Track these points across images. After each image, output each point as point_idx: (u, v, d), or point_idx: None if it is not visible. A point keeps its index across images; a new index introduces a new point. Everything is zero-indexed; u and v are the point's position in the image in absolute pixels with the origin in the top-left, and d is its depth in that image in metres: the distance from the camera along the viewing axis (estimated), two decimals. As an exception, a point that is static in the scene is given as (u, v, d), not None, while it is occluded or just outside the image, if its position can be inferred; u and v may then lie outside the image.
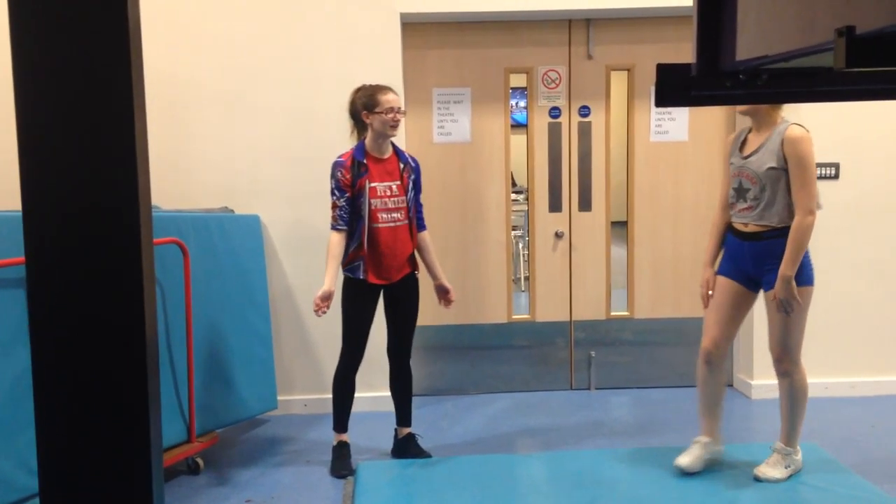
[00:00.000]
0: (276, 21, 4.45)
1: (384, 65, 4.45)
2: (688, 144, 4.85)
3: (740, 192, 3.34)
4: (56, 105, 0.85)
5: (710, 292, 3.47)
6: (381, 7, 4.45)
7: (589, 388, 4.95)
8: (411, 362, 4.36)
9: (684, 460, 3.45)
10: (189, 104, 4.47)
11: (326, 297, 3.49)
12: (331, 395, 3.82)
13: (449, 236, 4.84)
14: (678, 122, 4.83)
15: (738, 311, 3.41)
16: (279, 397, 4.44)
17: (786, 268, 3.17)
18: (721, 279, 3.44)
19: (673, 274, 4.92)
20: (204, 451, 3.83)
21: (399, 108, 3.58)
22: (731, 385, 4.96)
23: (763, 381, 4.70)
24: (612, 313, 4.95)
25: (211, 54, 4.46)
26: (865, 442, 3.78)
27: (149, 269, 0.85)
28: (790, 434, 3.42)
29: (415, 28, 4.67)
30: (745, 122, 4.73)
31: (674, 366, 4.97)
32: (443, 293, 3.82)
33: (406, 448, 3.84)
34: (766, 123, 3.28)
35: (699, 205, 4.87)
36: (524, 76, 4.80)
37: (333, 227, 3.57)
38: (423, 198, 3.78)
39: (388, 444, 3.97)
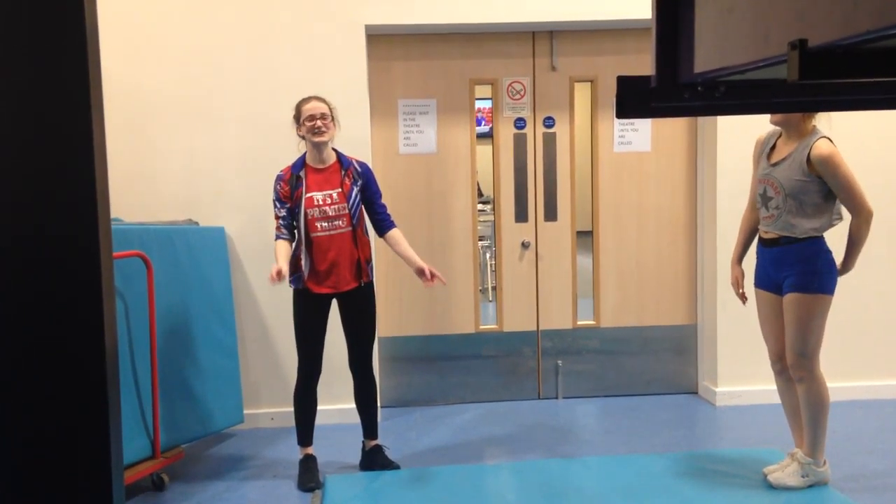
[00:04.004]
0: (240, 33, 4.43)
1: (349, 76, 4.45)
2: (651, 155, 4.90)
3: (764, 200, 3.38)
4: (12, 114, 0.84)
5: (742, 290, 3.54)
6: (346, 19, 4.45)
7: (556, 397, 4.97)
8: (378, 373, 4.35)
9: (776, 475, 3.43)
10: (153, 116, 4.43)
11: (278, 272, 3.43)
12: (297, 409, 3.80)
13: (416, 247, 4.79)
14: (641, 133, 4.89)
15: (781, 319, 3.41)
16: (245, 411, 4.40)
17: (849, 265, 3.30)
18: (758, 292, 3.50)
19: (638, 283, 4.96)
20: (169, 466, 3.77)
21: (320, 113, 3.59)
22: (695, 392, 5.01)
23: (727, 388, 4.76)
24: (579, 322, 4.99)
25: (175, 66, 4.42)
26: (826, 447, 3.83)
27: (108, 284, 0.84)
28: (810, 443, 3.37)
29: (380, 40, 4.68)
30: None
31: (640, 374, 5.02)
32: (422, 275, 3.65)
33: (374, 460, 3.82)
34: (796, 133, 3.30)
35: (662, 214, 4.93)
36: (489, 87, 4.83)
37: (277, 237, 3.63)
38: (389, 207, 3.78)
39: (356, 456, 3.95)
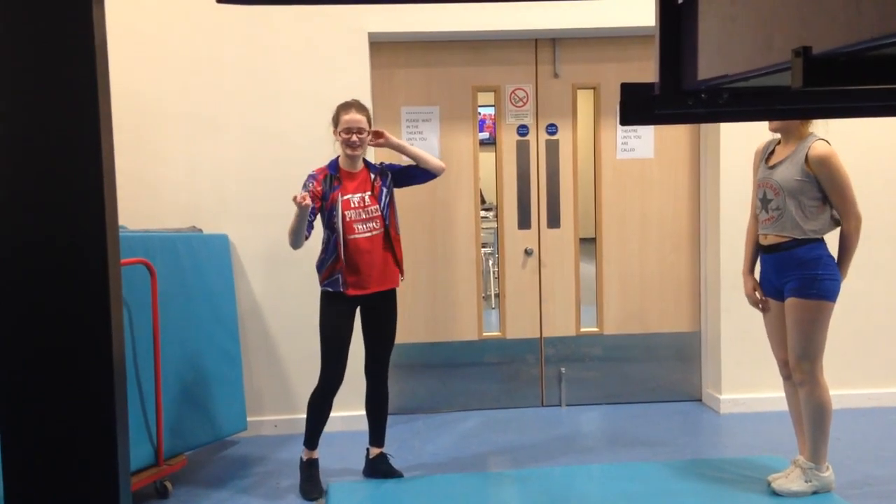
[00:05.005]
0: (244, 40, 4.45)
1: (353, 84, 4.46)
2: (653, 162, 4.91)
3: (764, 203, 3.40)
4: (22, 124, 0.84)
5: (762, 299, 3.50)
6: (350, 27, 4.46)
7: (560, 405, 4.97)
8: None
9: (779, 481, 3.42)
10: (156, 123, 4.44)
11: (303, 197, 3.40)
12: (301, 416, 3.79)
13: (419, 254, 4.84)
14: (644, 140, 4.89)
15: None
16: (249, 418, 4.40)
17: (845, 274, 3.30)
18: (762, 300, 3.51)
19: (641, 290, 4.96)
20: (172, 474, 3.77)
21: (357, 128, 3.57)
22: (699, 400, 5.00)
23: (731, 395, 4.75)
24: (582, 329, 4.98)
25: (178, 74, 4.44)
26: (830, 455, 3.82)
27: (116, 292, 0.85)
28: (812, 449, 3.37)
29: (383, 47, 4.69)
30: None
31: (643, 381, 5.01)
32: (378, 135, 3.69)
33: (378, 468, 3.82)
34: (794, 137, 3.34)
35: (665, 221, 4.93)
36: (492, 94, 4.84)
37: None
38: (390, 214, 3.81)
39: (360, 463, 3.95)
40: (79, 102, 0.84)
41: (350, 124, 3.57)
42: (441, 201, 4.83)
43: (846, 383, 4.72)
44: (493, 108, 4.87)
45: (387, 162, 3.82)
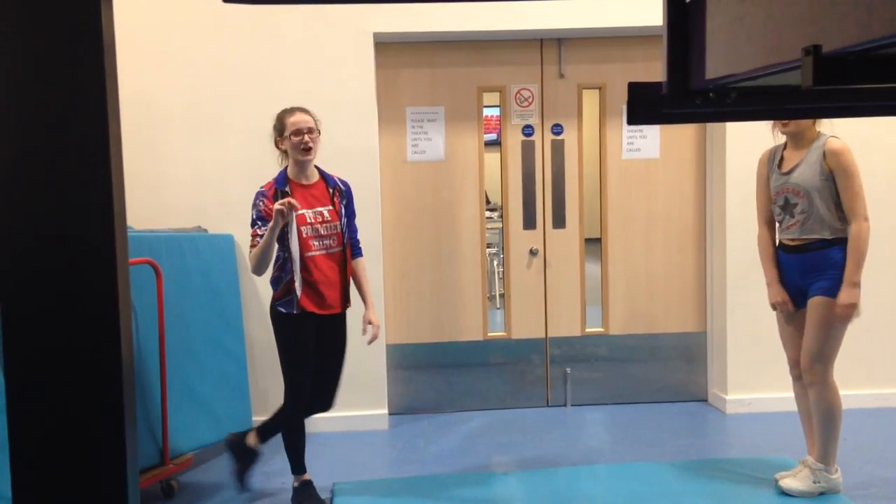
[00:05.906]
0: (248, 41, 4.45)
1: (357, 84, 4.46)
2: (659, 162, 4.90)
3: (787, 209, 3.38)
4: (31, 124, 0.85)
5: (791, 308, 3.44)
6: (355, 27, 4.47)
7: (565, 405, 4.96)
8: (386, 381, 4.31)
9: (787, 480, 3.42)
10: (161, 124, 4.45)
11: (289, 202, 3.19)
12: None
13: (423, 254, 4.84)
14: (650, 140, 4.88)
15: (803, 328, 3.39)
16: (254, 417, 4.40)
17: (852, 274, 3.21)
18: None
19: (646, 290, 4.95)
20: (178, 473, 3.78)
21: (307, 128, 3.32)
22: (705, 400, 5.00)
23: (737, 395, 4.74)
24: (587, 330, 4.97)
25: (183, 75, 4.44)
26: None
27: (124, 291, 0.85)
28: (821, 450, 3.37)
29: (388, 48, 4.69)
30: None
31: (649, 381, 5.00)
32: (366, 323, 3.48)
33: (310, 494, 3.51)
34: (805, 140, 3.34)
35: (671, 221, 4.92)
36: (497, 95, 4.83)
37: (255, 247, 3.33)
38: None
39: (366, 462, 3.94)
40: (88, 102, 0.84)
41: (299, 125, 3.31)
42: (446, 202, 4.82)
43: (852, 383, 4.70)
44: (498, 108, 4.87)
45: (345, 183, 3.53)
